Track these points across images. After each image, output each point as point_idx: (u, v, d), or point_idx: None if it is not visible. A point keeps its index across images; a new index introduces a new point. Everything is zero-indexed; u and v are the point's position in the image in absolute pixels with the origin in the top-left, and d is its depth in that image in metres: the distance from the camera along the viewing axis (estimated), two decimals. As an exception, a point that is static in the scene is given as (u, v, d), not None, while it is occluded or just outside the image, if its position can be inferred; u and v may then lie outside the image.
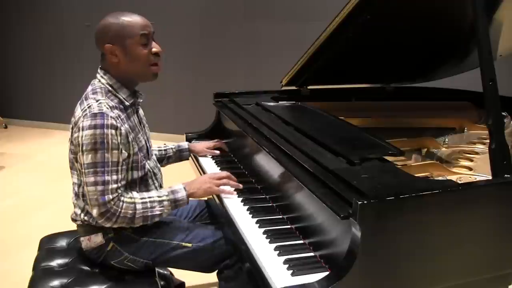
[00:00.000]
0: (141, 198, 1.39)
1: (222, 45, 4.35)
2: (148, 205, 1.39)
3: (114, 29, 1.39)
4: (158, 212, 1.41)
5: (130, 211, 1.36)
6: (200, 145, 1.97)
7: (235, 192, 1.53)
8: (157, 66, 1.46)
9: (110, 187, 1.32)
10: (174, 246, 1.48)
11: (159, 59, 1.46)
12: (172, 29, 4.42)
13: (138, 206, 1.37)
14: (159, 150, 1.85)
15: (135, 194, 1.41)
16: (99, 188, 1.31)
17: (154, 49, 1.43)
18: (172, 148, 1.89)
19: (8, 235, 2.76)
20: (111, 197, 1.32)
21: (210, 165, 1.88)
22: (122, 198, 1.35)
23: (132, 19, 1.41)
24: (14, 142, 4.84)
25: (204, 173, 1.82)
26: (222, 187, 1.53)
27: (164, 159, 1.87)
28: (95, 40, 1.43)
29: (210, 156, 1.96)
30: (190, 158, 1.98)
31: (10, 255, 2.52)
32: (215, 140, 2.02)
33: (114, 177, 1.33)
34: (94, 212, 1.33)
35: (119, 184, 1.35)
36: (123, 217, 1.35)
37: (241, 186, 1.56)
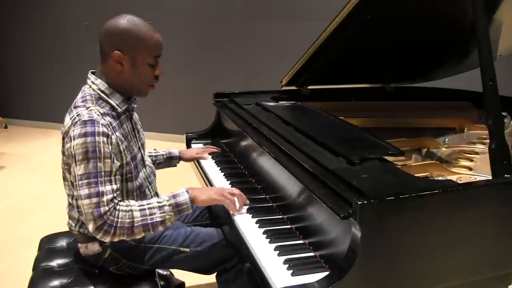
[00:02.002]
0: (139, 206, 1.30)
1: (222, 45, 4.35)
2: (147, 212, 1.29)
3: (130, 38, 1.32)
4: (159, 219, 1.30)
5: (128, 220, 1.26)
6: (191, 151, 1.97)
7: (241, 209, 1.42)
8: (153, 87, 1.43)
9: (105, 198, 1.24)
10: (173, 251, 1.47)
11: (157, 82, 1.43)
12: (172, 29, 4.42)
13: (136, 214, 1.28)
14: (150, 156, 1.74)
15: (132, 202, 1.33)
16: (94, 200, 1.23)
17: (157, 72, 1.40)
18: (163, 155, 1.85)
19: (8, 235, 2.76)
20: (106, 208, 1.24)
21: (210, 166, 1.87)
22: (118, 207, 1.27)
23: (151, 35, 1.34)
24: (14, 142, 4.84)
25: (204, 174, 1.81)
26: (227, 200, 1.42)
27: (155, 165, 1.76)
28: (104, 38, 1.34)
29: (211, 156, 1.96)
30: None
31: (10, 255, 2.52)
32: (206, 147, 2.04)
33: (108, 187, 1.26)
34: (90, 227, 1.25)
35: (115, 195, 1.28)
36: (121, 228, 1.25)
37: (247, 201, 1.45)
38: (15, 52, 5.27)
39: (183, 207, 1.34)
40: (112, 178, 1.28)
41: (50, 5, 4.94)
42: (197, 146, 2.12)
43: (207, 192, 1.40)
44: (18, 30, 5.17)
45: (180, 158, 1.90)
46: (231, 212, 1.41)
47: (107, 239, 1.27)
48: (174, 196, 1.34)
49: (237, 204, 1.42)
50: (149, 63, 1.36)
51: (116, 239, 1.27)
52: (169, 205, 1.32)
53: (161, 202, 1.32)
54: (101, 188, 1.25)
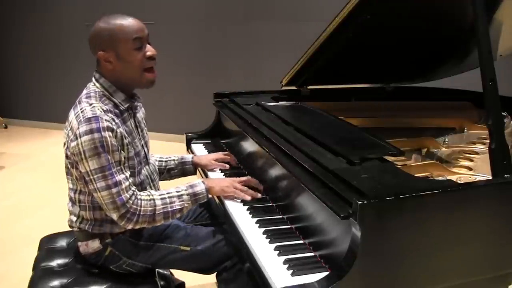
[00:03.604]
0: (160, 195, 1.38)
1: (222, 45, 4.35)
2: (168, 200, 1.37)
3: (106, 35, 1.35)
4: (178, 207, 1.38)
5: (150, 208, 1.34)
6: (206, 158, 1.80)
7: (249, 198, 1.45)
8: (152, 73, 1.41)
9: (123, 186, 1.31)
10: (173, 250, 1.48)
11: (154, 63, 1.41)
12: (172, 29, 4.42)
13: (158, 202, 1.36)
14: (160, 161, 1.75)
15: (152, 191, 1.40)
16: (114, 190, 1.29)
17: (148, 53, 1.38)
18: (174, 160, 1.77)
19: (8, 235, 2.76)
20: (128, 196, 1.31)
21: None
22: (139, 197, 1.34)
23: (123, 22, 1.35)
24: (14, 142, 4.84)
25: (204, 172, 1.80)
26: (238, 191, 1.47)
27: (165, 171, 1.75)
28: (89, 47, 1.39)
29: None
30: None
31: (10, 255, 2.52)
32: (224, 153, 1.84)
33: (123, 175, 1.32)
34: (115, 215, 1.31)
35: (130, 181, 1.34)
36: (143, 215, 1.33)
37: (259, 195, 1.48)
38: (14, 53, 5.27)
39: (199, 196, 1.43)
40: (123, 167, 1.34)
41: (48, 6, 4.95)
42: (197, 146, 2.11)
43: (220, 185, 1.47)
44: (17, 30, 5.17)
45: (193, 163, 1.78)
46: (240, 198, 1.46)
47: (129, 226, 1.34)
48: (191, 186, 1.43)
49: (247, 196, 1.47)
50: (132, 48, 1.36)
51: (137, 226, 1.35)
52: (187, 194, 1.41)
53: (179, 191, 1.41)
54: (117, 178, 1.30)
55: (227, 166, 1.78)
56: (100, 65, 1.41)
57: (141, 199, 1.34)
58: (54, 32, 5.00)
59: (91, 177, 1.30)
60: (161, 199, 1.37)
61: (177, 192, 1.40)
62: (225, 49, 4.35)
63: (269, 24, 4.11)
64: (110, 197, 1.30)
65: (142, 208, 1.33)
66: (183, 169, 1.79)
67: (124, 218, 1.32)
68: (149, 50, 1.39)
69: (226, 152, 1.85)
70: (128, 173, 1.35)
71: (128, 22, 1.36)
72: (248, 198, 1.46)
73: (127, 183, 1.32)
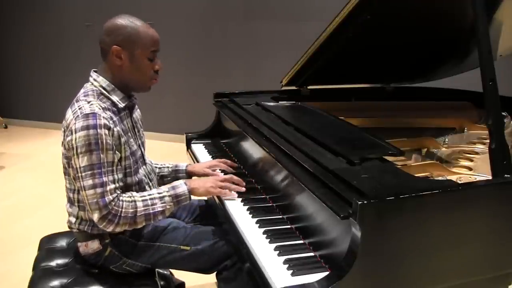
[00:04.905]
0: (141, 196, 1.37)
1: (222, 45, 4.35)
2: (149, 202, 1.36)
3: (128, 33, 1.37)
4: (160, 209, 1.37)
5: (131, 210, 1.32)
6: (200, 166, 1.77)
7: (236, 195, 1.49)
8: (155, 80, 1.46)
9: (108, 188, 1.29)
10: (173, 249, 1.48)
11: (158, 76, 1.47)
12: (172, 29, 4.42)
13: (139, 204, 1.34)
14: (154, 167, 1.72)
15: (134, 193, 1.39)
16: (98, 190, 1.28)
17: (157, 67, 1.44)
18: (168, 167, 1.76)
19: (8, 235, 2.76)
20: (111, 198, 1.29)
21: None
22: (121, 198, 1.33)
23: (148, 30, 1.40)
24: (14, 142, 4.84)
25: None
26: (223, 190, 1.49)
27: (158, 178, 1.73)
28: (103, 37, 1.39)
29: (210, 156, 1.95)
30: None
31: (10, 255, 2.52)
32: (217, 160, 1.80)
33: (111, 177, 1.31)
34: (95, 216, 1.30)
35: (117, 185, 1.33)
36: (124, 217, 1.31)
37: (243, 189, 1.51)
38: (14, 52, 5.26)
39: (181, 198, 1.42)
40: (114, 168, 1.33)
41: (48, 6, 4.94)
42: (197, 146, 2.12)
43: (203, 185, 1.47)
44: (17, 30, 5.16)
45: (187, 172, 1.76)
46: (226, 199, 1.48)
47: (110, 229, 1.32)
48: (173, 188, 1.42)
49: (233, 193, 1.50)
50: (147, 57, 1.40)
51: (118, 229, 1.33)
52: (169, 195, 1.40)
53: (161, 193, 1.40)
54: (104, 179, 1.29)
55: (221, 174, 1.69)
56: (106, 60, 1.41)
57: (123, 201, 1.32)
58: (54, 32, 5.00)
59: (80, 174, 1.29)
60: (143, 200, 1.35)
61: (158, 193, 1.39)
62: (225, 49, 4.35)
63: (269, 24, 4.11)
64: (94, 196, 1.28)
65: (123, 210, 1.31)
66: (176, 177, 1.76)
67: (105, 220, 1.29)
68: (158, 65, 1.45)
69: (222, 160, 1.79)
70: (117, 176, 1.34)
71: (151, 31, 1.41)
72: (235, 195, 1.49)
73: (113, 186, 1.31)
